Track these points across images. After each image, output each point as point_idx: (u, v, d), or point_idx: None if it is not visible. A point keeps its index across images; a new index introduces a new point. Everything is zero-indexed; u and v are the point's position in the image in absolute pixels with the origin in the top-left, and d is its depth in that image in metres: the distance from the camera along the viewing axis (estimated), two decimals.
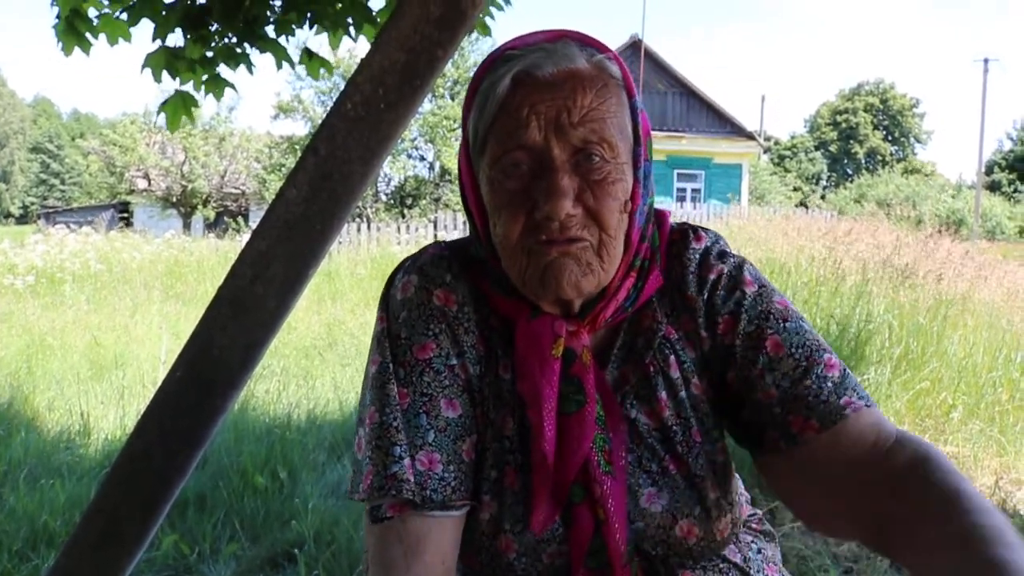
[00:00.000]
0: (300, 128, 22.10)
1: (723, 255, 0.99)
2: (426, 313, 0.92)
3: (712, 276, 0.97)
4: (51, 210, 34.93)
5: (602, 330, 0.94)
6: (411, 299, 0.93)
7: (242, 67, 2.59)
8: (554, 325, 0.90)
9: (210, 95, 2.63)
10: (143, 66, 2.44)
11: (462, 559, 0.93)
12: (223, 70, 2.59)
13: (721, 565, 0.98)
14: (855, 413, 0.89)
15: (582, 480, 0.89)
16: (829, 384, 0.90)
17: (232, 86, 2.63)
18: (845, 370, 0.93)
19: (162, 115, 2.52)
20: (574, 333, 0.91)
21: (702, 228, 1.01)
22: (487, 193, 0.88)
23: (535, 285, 0.87)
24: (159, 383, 1.95)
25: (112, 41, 2.51)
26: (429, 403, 0.90)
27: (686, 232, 1.00)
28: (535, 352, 0.89)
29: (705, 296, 0.96)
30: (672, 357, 0.95)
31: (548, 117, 0.84)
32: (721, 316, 0.96)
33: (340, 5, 2.52)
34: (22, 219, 56.70)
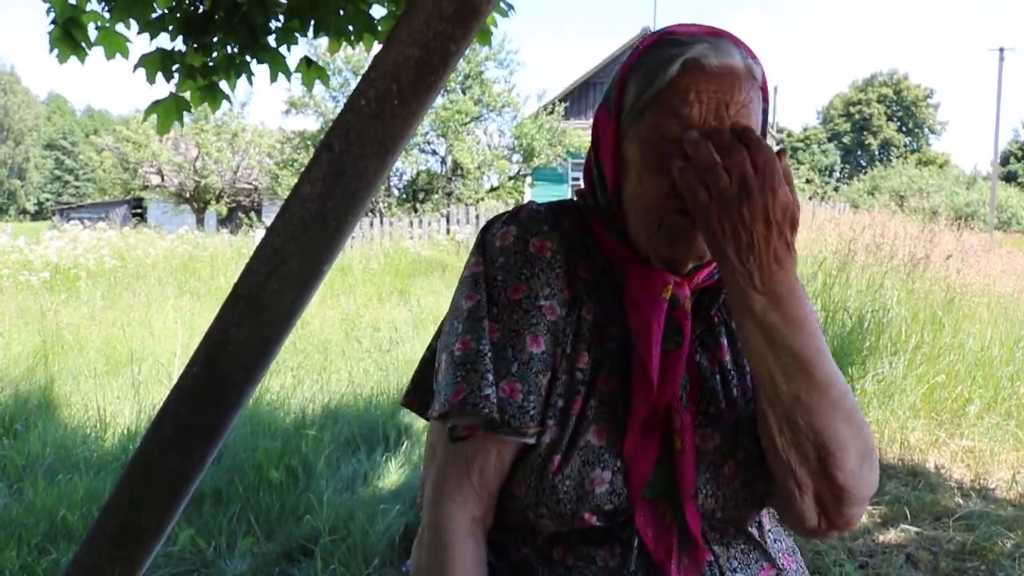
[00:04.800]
0: (312, 124, 22.12)
1: None
2: (521, 259, 1.03)
3: None
4: (65, 206, 35.14)
5: None
6: (509, 247, 1.04)
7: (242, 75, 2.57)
8: (663, 275, 1.01)
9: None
10: (136, 66, 2.42)
11: (511, 487, 1.00)
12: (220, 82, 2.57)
13: (743, 545, 1.03)
14: None
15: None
16: None
17: (228, 98, 2.60)
18: None
19: (152, 116, 2.46)
20: (679, 283, 1.02)
21: None
22: (638, 152, 0.98)
23: (661, 246, 0.98)
24: (175, 379, 1.97)
25: (110, 55, 2.50)
26: (516, 338, 1.00)
27: None
28: (647, 293, 1.00)
29: None
30: None
31: (710, 105, 0.94)
32: None
33: (343, 12, 2.51)
34: (37, 215, 57.19)
